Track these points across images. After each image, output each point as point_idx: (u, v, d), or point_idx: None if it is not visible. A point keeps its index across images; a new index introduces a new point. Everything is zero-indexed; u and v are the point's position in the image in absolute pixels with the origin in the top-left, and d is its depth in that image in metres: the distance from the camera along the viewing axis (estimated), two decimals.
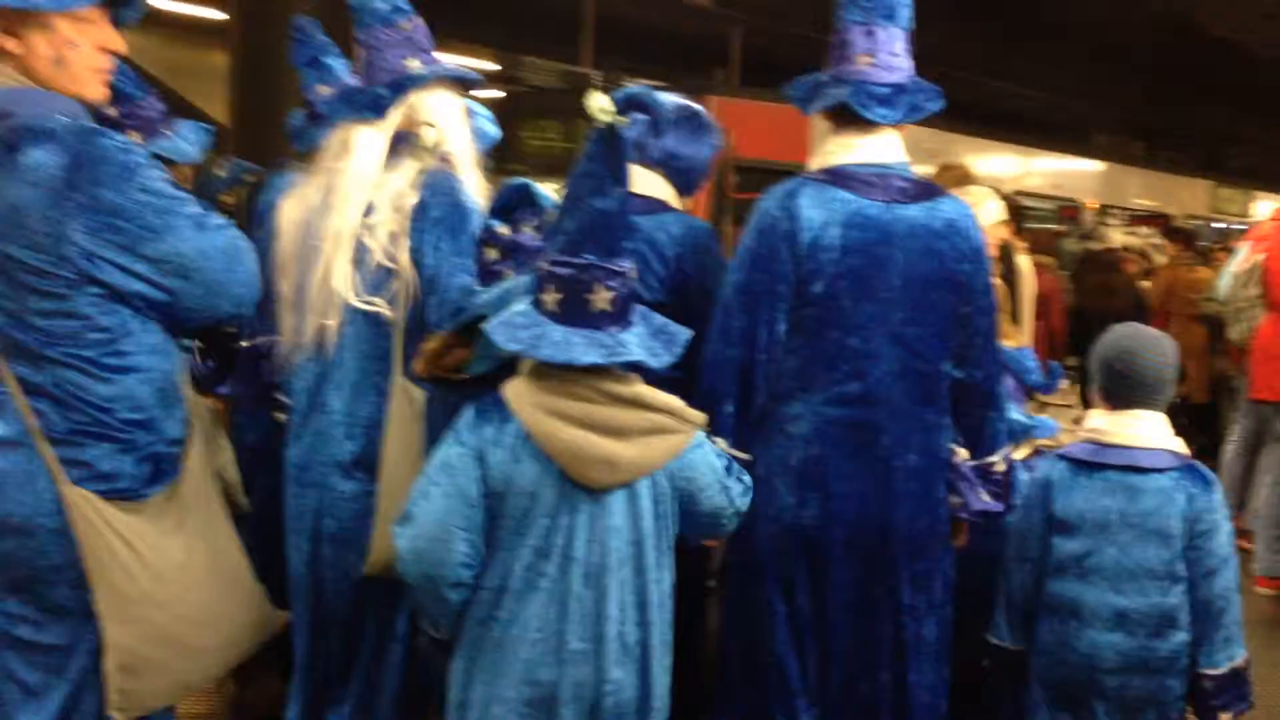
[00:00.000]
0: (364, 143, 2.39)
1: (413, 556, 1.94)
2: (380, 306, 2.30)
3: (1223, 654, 2.49)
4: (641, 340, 1.93)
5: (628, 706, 1.96)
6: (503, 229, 2.16)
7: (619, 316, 1.92)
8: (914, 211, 2.41)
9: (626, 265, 1.92)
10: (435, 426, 2.22)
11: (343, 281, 2.31)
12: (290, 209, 2.47)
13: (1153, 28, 11.93)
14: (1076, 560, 2.50)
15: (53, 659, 2.03)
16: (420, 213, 2.33)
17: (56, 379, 1.98)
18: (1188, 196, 13.00)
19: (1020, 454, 2.98)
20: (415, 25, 2.46)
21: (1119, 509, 2.48)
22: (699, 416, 2.02)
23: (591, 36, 9.42)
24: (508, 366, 2.02)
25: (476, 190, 2.44)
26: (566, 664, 1.91)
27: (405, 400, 2.32)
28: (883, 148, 2.45)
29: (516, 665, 1.92)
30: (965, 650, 2.67)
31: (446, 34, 10.00)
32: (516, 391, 1.94)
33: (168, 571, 2.04)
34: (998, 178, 9.50)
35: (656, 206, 2.75)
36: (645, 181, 2.72)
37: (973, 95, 13.00)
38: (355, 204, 2.35)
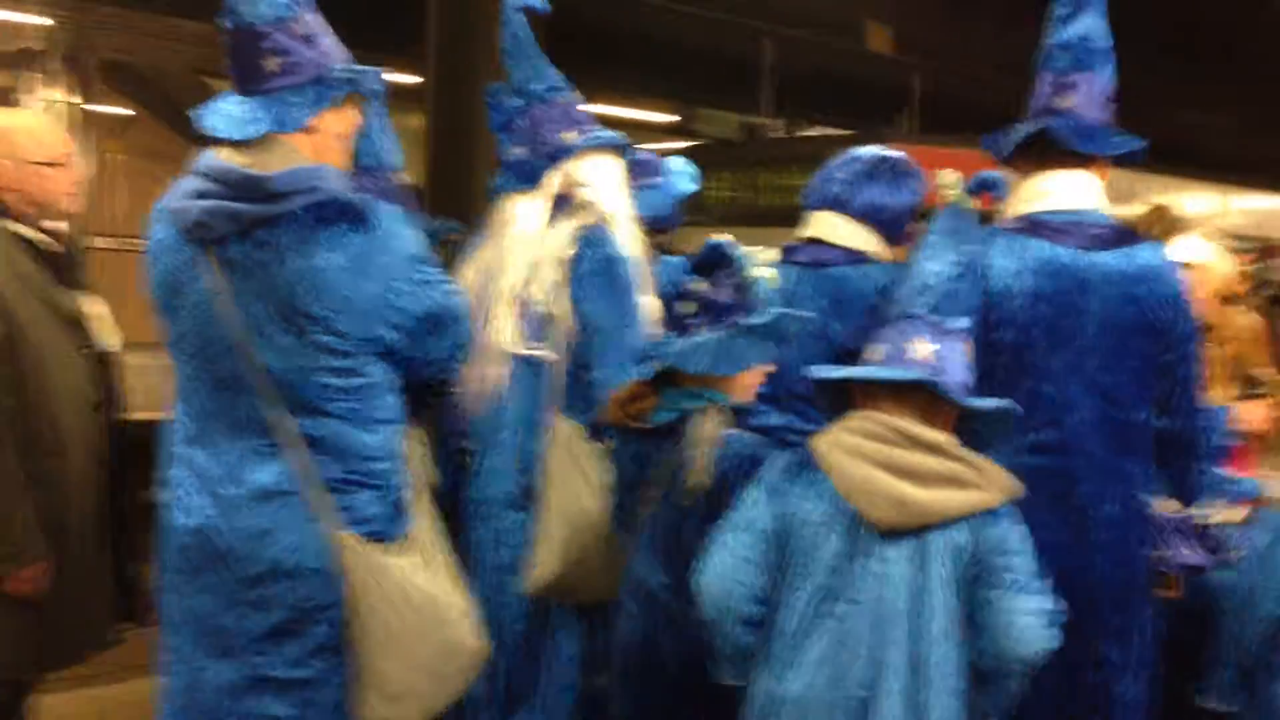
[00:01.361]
0: (524, 211, 2.81)
1: (706, 588, 2.04)
2: (542, 352, 2.65)
3: None
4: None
5: None
6: (699, 285, 2.31)
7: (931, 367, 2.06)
8: (1109, 258, 2.39)
9: (958, 325, 2.10)
10: (624, 472, 2.47)
11: (509, 333, 2.70)
12: (470, 272, 2.87)
13: None
14: None
15: (306, 692, 2.19)
16: (577, 265, 2.69)
17: (335, 431, 2.16)
18: None
19: (1236, 515, 2.87)
20: (571, 100, 2.89)
21: None
22: (1010, 484, 2.02)
23: (771, 85, 9.51)
24: (687, 417, 2.29)
25: (629, 242, 2.82)
26: (837, 709, 1.91)
27: (562, 435, 2.65)
28: (1076, 192, 2.46)
29: (795, 709, 1.94)
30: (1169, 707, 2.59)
31: (624, 88, 10.29)
32: (822, 436, 2.06)
33: (424, 605, 2.20)
34: (1194, 218, 9.09)
35: (858, 258, 2.72)
36: (848, 233, 2.73)
37: (1166, 131, 12.49)
38: (519, 264, 2.74)
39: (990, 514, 1.98)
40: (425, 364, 2.31)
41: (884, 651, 1.91)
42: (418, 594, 2.19)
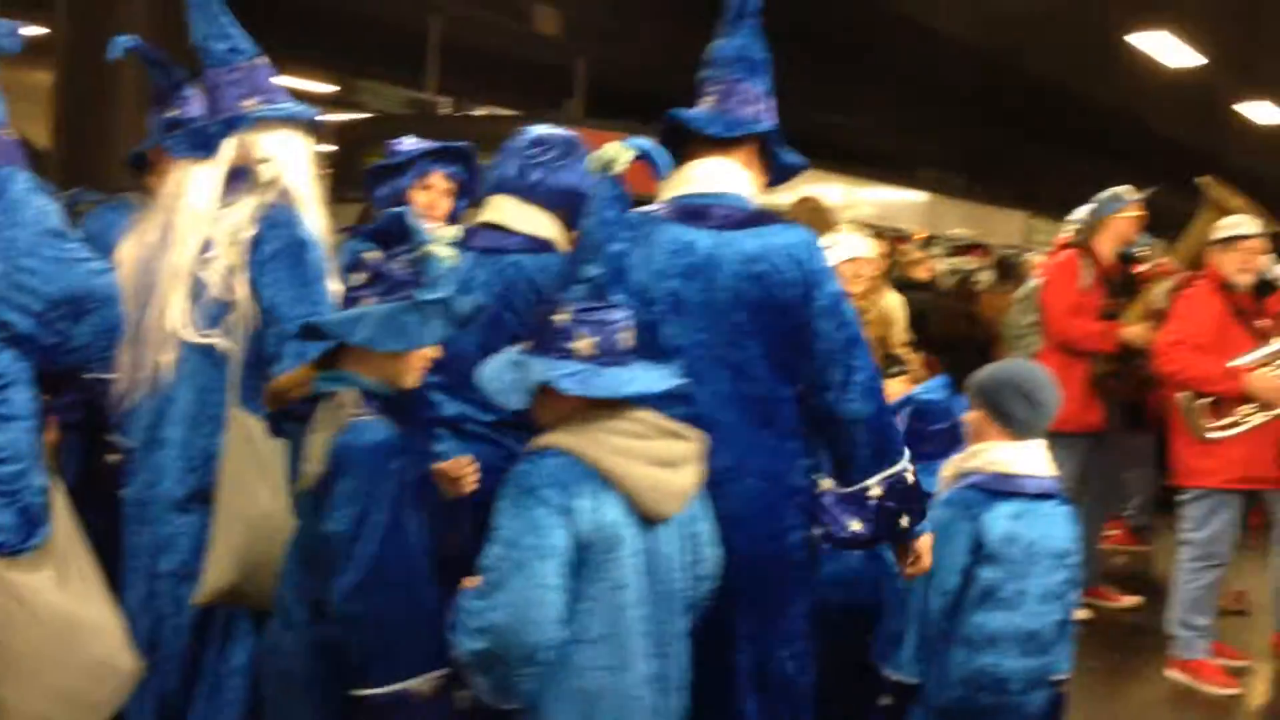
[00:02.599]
0: (197, 180, 2.49)
1: (503, 626, 1.92)
2: (216, 339, 2.38)
3: None
4: (650, 368, 2.11)
5: None
6: (373, 255, 2.15)
7: (632, 352, 2.11)
8: (740, 237, 2.41)
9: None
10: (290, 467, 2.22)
11: (178, 317, 2.39)
12: (129, 247, 2.53)
13: (976, 65, 12.57)
14: (999, 588, 2.61)
15: None
16: (257, 246, 2.42)
17: None
18: (1004, 227, 13.70)
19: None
20: (255, 65, 2.58)
21: (1034, 536, 2.63)
22: (700, 434, 2.16)
23: (438, 62, 9.36)
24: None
25: (317, 224, 2.56)
26: (657, 691, 2.05)
27: (241, 431, 2.37)
28: (717, 177, 2.48)
29: (624, 706, 2.00)
30: (839, 677, 2.68)
31: (281, 55, 9.80)
32: (577, 440, 2.02)
33: (59, 626, 1.96)
34: (837, 208, 9.84)
35: (542, 246, 2.66)
36: (527, 218, 2.65)
37: (802, 127, 13.44)
38: (191, 241, 2.43)
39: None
40: (66, 352, 2.03)
41: (672, 624, 2.09)
42: (49, 613, 1.96)
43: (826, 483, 2.55)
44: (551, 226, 2.68)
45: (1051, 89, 13.74)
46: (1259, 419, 4.64)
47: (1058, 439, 5.63)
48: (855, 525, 2.50)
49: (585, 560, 1.98)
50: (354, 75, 11.56)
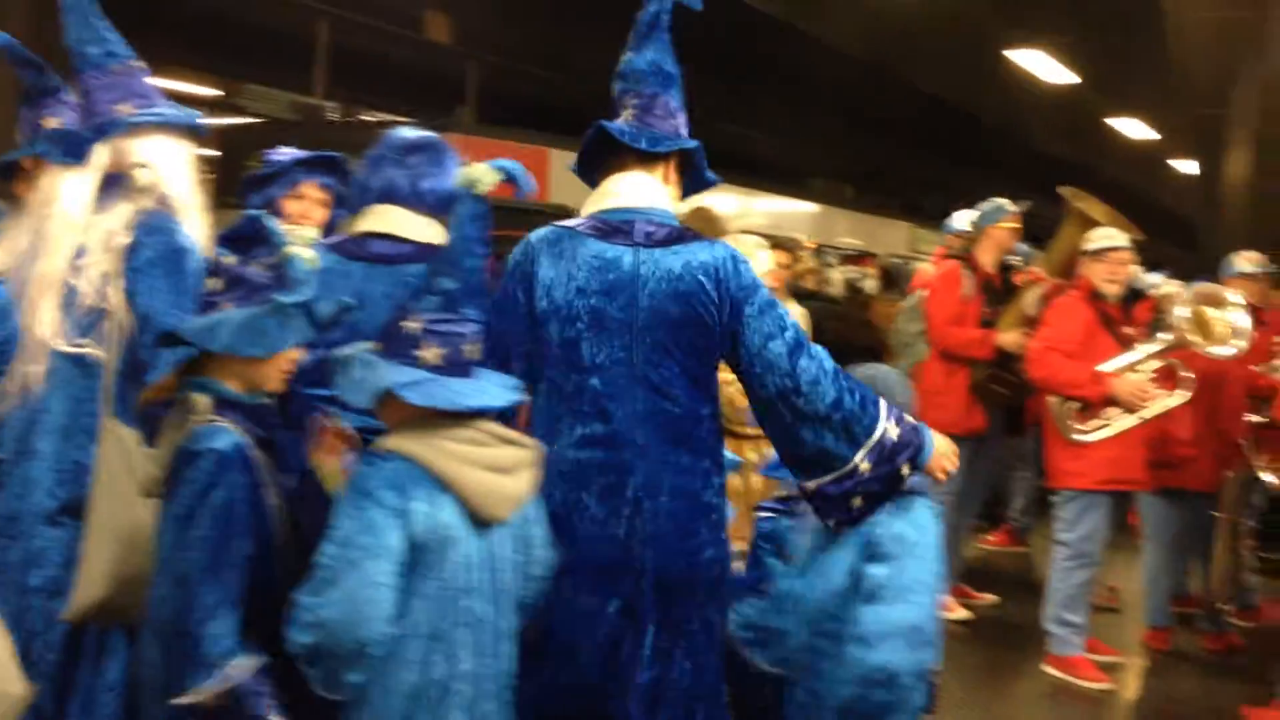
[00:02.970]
0: (69, 187, 2.44)
1: (333, 623, 1.95)
2: (89, 349, 2.35)
3: None
4: (496, 381, 2.17)
5: None
6: (229, 259, 2.14)
7: (478, 364, 2.16)
8: (661, 254, 2.42)
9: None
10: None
11: (49, 326, 2.34)
12: None
13: (864, 79, 12.86)
14: (888, 585, 2.66)
15: None
16: (133, 253, 2.38)
17: None
18: (890, 237, 14.03)
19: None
20: (130, 69, 2.53)
21: (915, 532, 2.69)
22: (536, 443, 2.23)
23: (325, 67, 9.21)
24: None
25: (196, 231, 2.52)
26: (480, 688, 2.10)
27: (114, 442, 2.32)
28: (638, 192, 2.48)
29: (442, 702, 2.05)
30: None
31: (163, 59, 9.54)
32: (415, 444, 2.06)
33: None
34: (730, 217, 9.95)
35: (429, 253, 2.58)
36: (422, 228, 2.60)
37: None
38: (63, 248, 2.38)
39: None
40: None
41: (502, 623, 2.15)
42: None
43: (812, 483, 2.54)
44: (442, 233, 2.63)
45: (936, 104, 14.15)
46: (1125, 422, 4.84)
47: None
48: (856, 501, 2.52)
49: (419, 560, 2.03)
50: (239, 79, 11.31)
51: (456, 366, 2.11)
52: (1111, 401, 4.82)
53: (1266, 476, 5.31)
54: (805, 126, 14.52)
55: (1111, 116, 14.88)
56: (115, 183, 2.47)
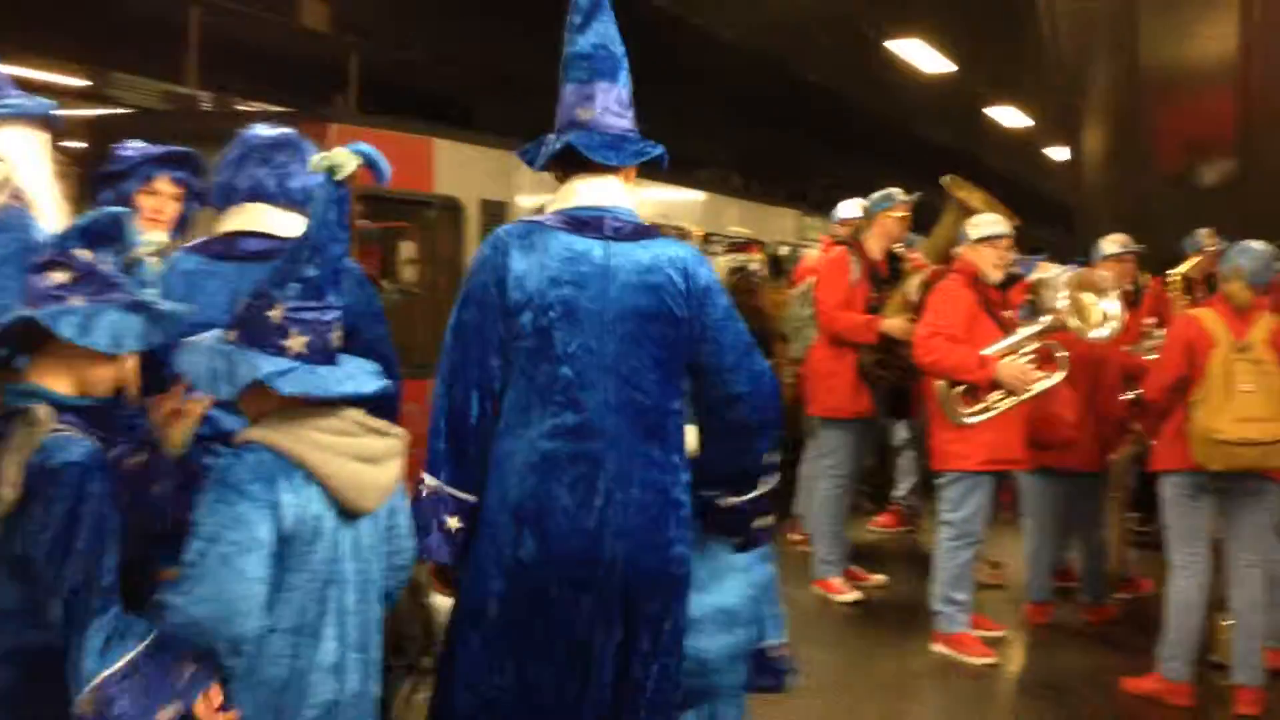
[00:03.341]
0: None
1: (206, 620, 1.91)
2: None
3: None
4: (361, 368, 2.13)
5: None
6: (83, 253, 2.05)
7: (340, 352, 2.12)
8: (630, 248, 2.47)
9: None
10: None
11: None
12: None
13: (749, 69, 12.96)
14: (698, 570, 2.68)
15: None
16: None
17: None
18: (778, 225, 14.18)
19: None
20: None
21: None
22: (403, 432, 2.20)
23: (197, 55, 8.90)
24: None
25: (56, 226, 2.39)
26: (347, 678, 2.08)
27: None
28: (602, 193, 2.51)
29: (308, 692, 2.03)
30: None
31: (24, 46, 9.12)
32: (281, 435, 2.03)
33: None
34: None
35: None
36: (294, 225, 2.51)
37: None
38: None
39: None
40: None
41: (369, 612, 2.14)
42: None
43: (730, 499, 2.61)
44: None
45: (821, 93, 14.34)
46: (1006, 404, 4.96)
47: (830, 425, 5.94)
48: (763, 522, 2.63)
49: (286, 552, 2.00)
50: (107, 68, 10.87)
51: (323, 354, 2.07)
52: (995, 385, 4.93)
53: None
54: (692, 117, 14.58)
55: (990, 105, 15.25)
56: None
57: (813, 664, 4.95)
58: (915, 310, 5.60)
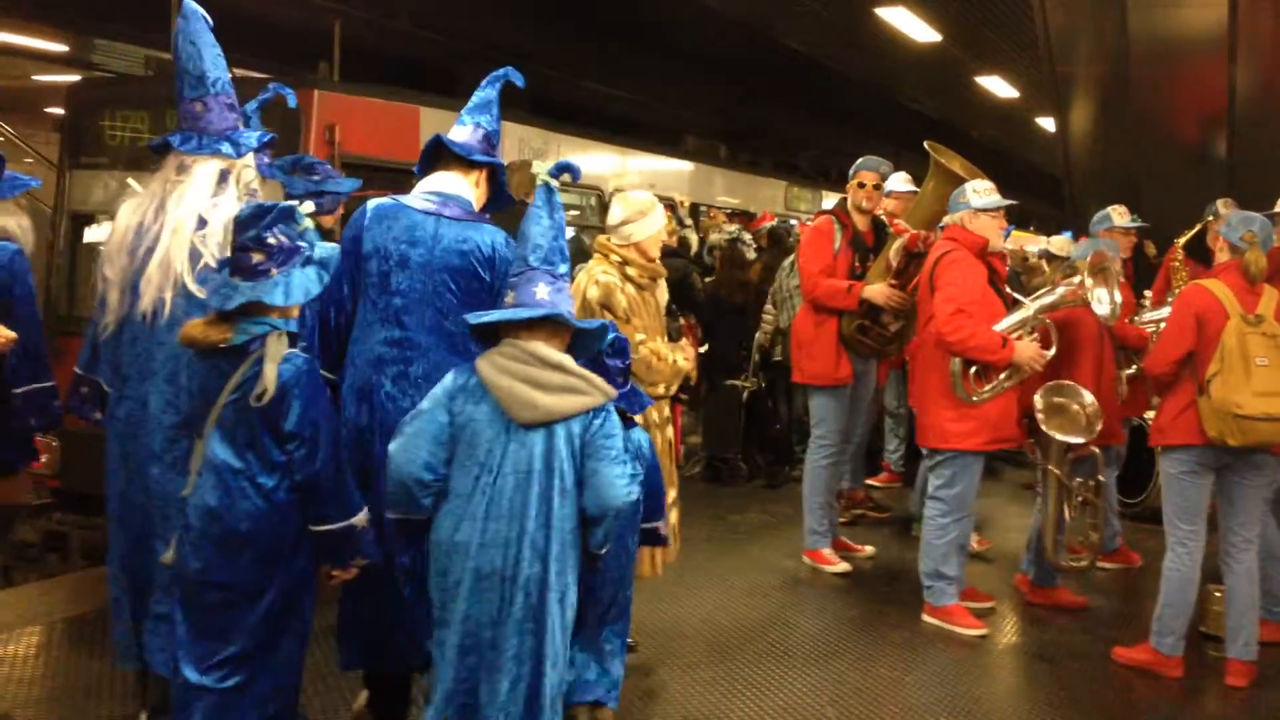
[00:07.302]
0: None
1: (393, 457, 2.83)
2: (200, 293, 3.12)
3: None
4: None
5: (534, 588, 2.81)
6: (274, 238, 2.85)
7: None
8: (455, 225, 3.43)
9: (561, 272, 2.93)
10: (204, 383, 2.95)
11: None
12: None
13: (736, 39, 12.84)
14: None
15: None
16: None
17: None
18: (765, 195, 14.10)
19: None
20: None
21: None
22: (609, 390, 2.91)
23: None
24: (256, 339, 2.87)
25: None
26: (493, 548, 2.78)
27: None
28: (450, 184, 3.47)
29: (465, 550, 2.79)
30: None
31: (5, 10, 8.93)
32: (483, 358, 2.87)
33: None
34: (601, 176, 9.85)
35: None
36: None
37: (573, 97, 13.41)
38: None
39: (596, 410, 2.86)
40: None
41: (525, 507, 2.80)
42: None
43: None
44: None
45: (808, 62, 14.23)
46: (1011, 383, 4.92)
47: (816, 391, 5.90)
48: None
49: (458, 437, 2.86)
50: (87, 33, 10.68)
51: (526, 300, 2.91)
52: (1009, 364, 4.89)
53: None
54: (682, 87, 14.46)
55: (978, 75, 15.16)
56: None
57: (802, 634, 4.96)
58: (895, 275, 5.56)
